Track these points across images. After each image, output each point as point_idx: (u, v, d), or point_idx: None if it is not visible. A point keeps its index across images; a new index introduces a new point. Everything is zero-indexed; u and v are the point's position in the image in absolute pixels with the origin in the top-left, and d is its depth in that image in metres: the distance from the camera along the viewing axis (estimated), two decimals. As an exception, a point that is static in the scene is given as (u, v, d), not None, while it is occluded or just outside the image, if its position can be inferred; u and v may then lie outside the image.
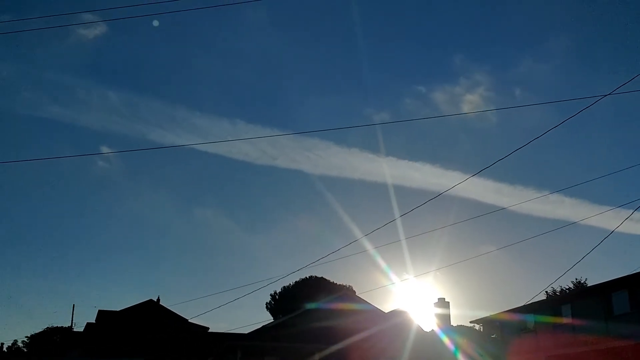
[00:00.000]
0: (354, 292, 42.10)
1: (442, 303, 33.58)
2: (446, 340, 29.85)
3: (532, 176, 72.17)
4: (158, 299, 47.46)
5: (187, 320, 43.83)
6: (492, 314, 32.96)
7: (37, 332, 61.08)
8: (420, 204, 16.52)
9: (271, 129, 77.85)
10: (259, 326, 30.41)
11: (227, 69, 71.17)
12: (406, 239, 22.88)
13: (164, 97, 72.75)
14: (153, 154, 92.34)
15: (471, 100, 63.55)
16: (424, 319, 33.27)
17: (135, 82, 73.28)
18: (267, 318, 55.21)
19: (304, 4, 64.69)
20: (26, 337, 62.64)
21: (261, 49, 70.12)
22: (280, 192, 78.92)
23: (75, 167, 78.70)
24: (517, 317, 30.38)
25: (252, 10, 64.03)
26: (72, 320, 50.92)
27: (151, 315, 44.89)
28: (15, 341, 63.27)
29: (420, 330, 30.04)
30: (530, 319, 30.03)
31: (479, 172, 16.57)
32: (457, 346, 29.83)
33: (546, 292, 43.35)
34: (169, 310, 45.91)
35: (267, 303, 58.60)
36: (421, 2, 65.32)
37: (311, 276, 55.44)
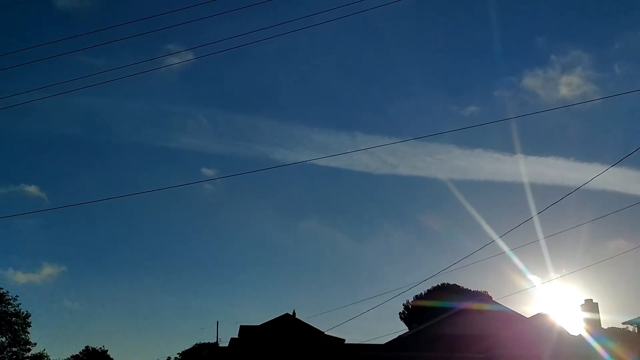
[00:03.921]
0: (490, 298, 40.54)
1: (590, 305, 31.24)
2: (596, 345, 27.76)
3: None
4: (294, 313, 48.79)
5: (323, 332, 44.58)
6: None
7: (187, 348, 65.40)
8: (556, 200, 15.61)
9: (389, 137, 77.64)
10: (395, 336, 30.25)
11: (337, 82, 72.55)
12: (545, 237, 21.71)
13: (283, 117, 75.45)
14: (275, 172, 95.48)
15: (570, 81, 59.35)
16: (570, 322, 31.19)
17: (252, 105, 76.77)
18: (401, 328, 54.73)
19: (389, 10, 64.29)
20: (178, 353, 67.28)
21: (359, 58, 70.72)
22: (404, 200, 78.42)
23: (189, 192, 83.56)
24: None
25: (347, 23, 64.69)
26: (217, 336, 54.01)
27: (288, 329, 46.17)
28: (169, 358, 68.23)
29: (566, 334, 28.22)
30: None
31: (619, 162, 15.38)
32: (609, 352, 27.64)
33: None
34: (305, 323, 46.94)
35: (400, 313, 58.20)
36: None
37: (443, 283, 54.29)
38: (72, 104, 67.42)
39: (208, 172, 65.90)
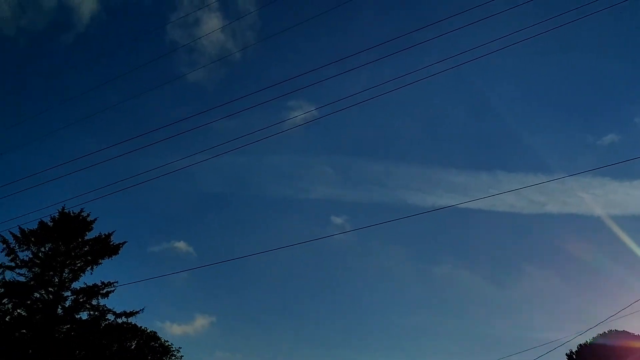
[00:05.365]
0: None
1: None
2: None
3: None
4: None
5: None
6: None
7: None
8: None
9: (535, 173, 73.63)
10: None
11: (470, 122, 70.72)
12: None
13: (418, 161, 74.59)
14: (414, 218, 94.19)
15: None
16: None
17: (386, 151, 76.77)
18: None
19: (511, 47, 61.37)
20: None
21: (488, 96, 68.54)
22: (555, 240, 73.00)
23: (323, 240, 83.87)
24: None
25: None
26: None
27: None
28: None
29: None
30: None
31: None
32: None
33: None
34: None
35: (563, 364, 53.38)
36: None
37: (611, 330, 49.02)
38: (214, 164, 71.96)
39: (337, 220, 66.40)
